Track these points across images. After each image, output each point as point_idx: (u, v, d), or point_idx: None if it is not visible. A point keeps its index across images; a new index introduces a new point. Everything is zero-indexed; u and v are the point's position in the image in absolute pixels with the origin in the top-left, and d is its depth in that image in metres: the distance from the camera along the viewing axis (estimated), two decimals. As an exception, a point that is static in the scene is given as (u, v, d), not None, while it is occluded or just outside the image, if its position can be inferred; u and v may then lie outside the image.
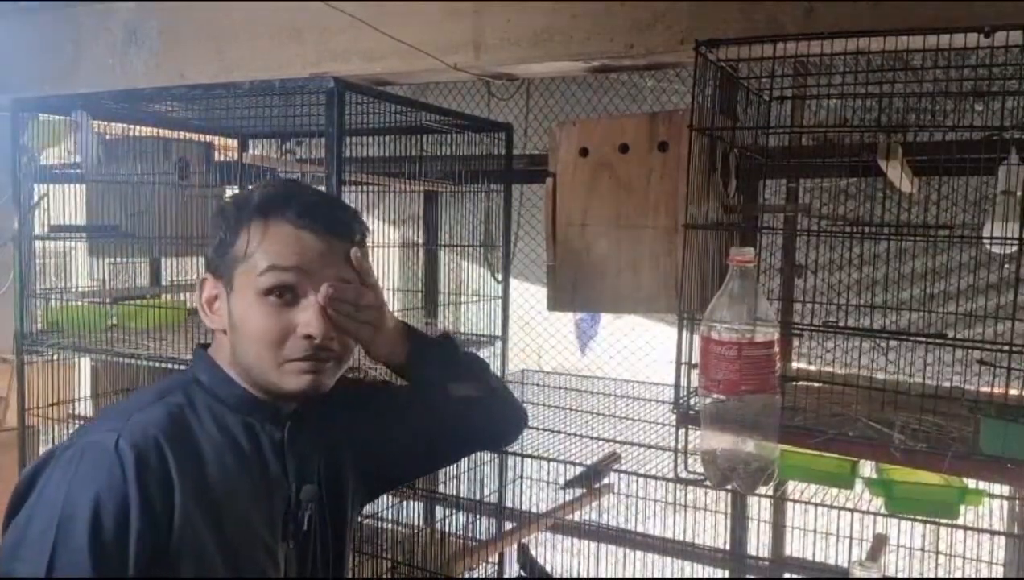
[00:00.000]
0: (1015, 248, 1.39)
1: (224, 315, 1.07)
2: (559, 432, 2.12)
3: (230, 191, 2.71)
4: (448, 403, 1.20)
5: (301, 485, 1.10)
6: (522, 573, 2.07)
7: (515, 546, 2.39)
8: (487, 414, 1.27)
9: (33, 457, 2.31)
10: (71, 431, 2.27)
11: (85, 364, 2.87)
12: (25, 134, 2.50)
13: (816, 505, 1.79)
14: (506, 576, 2.59)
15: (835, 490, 1.79)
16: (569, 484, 2.23)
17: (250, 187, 1.12)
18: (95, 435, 0.98)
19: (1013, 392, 1.43)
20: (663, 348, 3.21)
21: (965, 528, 1.81)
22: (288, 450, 1.10)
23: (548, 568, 2.46)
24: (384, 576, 2.33)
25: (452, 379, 1.20)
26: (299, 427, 1.11)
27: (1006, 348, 1.37)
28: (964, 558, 1.98)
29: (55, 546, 0.91)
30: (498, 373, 2.66)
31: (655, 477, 1.93)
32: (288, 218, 1.03)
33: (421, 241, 2.89)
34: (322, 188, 2.06)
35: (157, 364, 2.23)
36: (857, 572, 1.76)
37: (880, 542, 1.91)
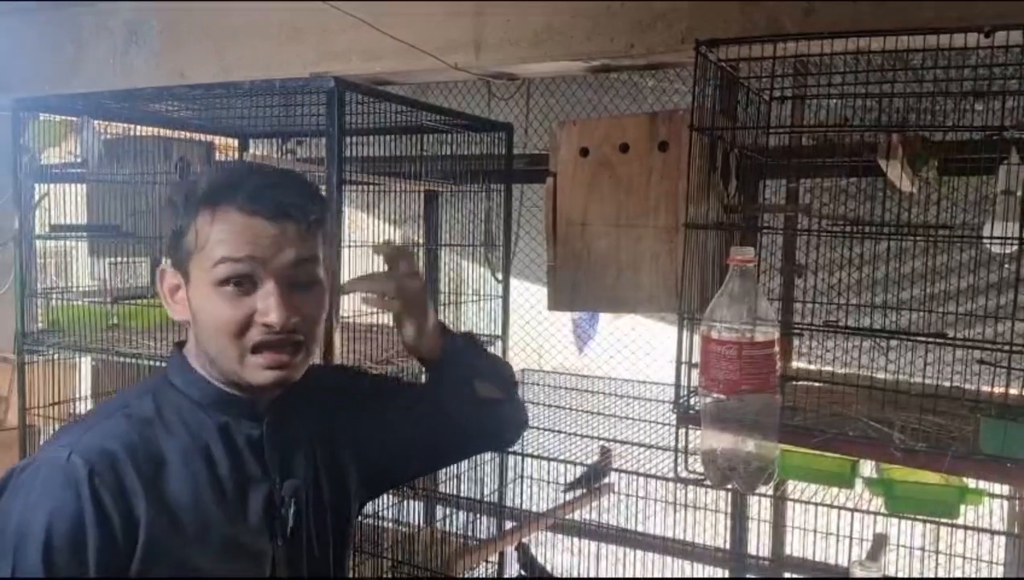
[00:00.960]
0: (1015, 248, 1.39)
1: (186, 305, 1.04)
2: (559, 432, 2.12)
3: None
4: (467, 402, 1.19)
5: (282, 479, 1.07)
6: (522, 573, 2.07)
7: (515, 546, 2.39)
8: (502, 415, 1.26)
9: (33, 457, 2.31)
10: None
11: (86, 364, 2.87)
12: (25, 134, 2.50)
13: (816, 505, 1.79)
14: (506, 576, 2.59)
15: (835, 490, 1.79)
16: (571, 487, 2.23)
17: (197, 173, 1.12)
18: (50, 451, 0.96)
19: (1013, 392, 1.43)
20: (663, 348, 3.21)
21: (965, 528, 1.81)
22: (268, 446, 1.07)
23: (548, 568, 2.46)
24: (384, 576, 2.33)
25: (481, 377, 1.20)
26: (279, 421, 1.08)
27: (1006, 348, 1.37)
28: (964, 558, 1.98)
29: (13, 571, 0.89)
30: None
31: (655, 476, 1.93)
32: (236, 205, 0.99)
33: (421, 241, 2.89)
34: (323, 189, 2.07)
35: (157, 363, 2.23)
36: (857, 572, 1.76)
37: (880, 542, 1.91)
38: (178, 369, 1.07)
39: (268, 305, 0.99)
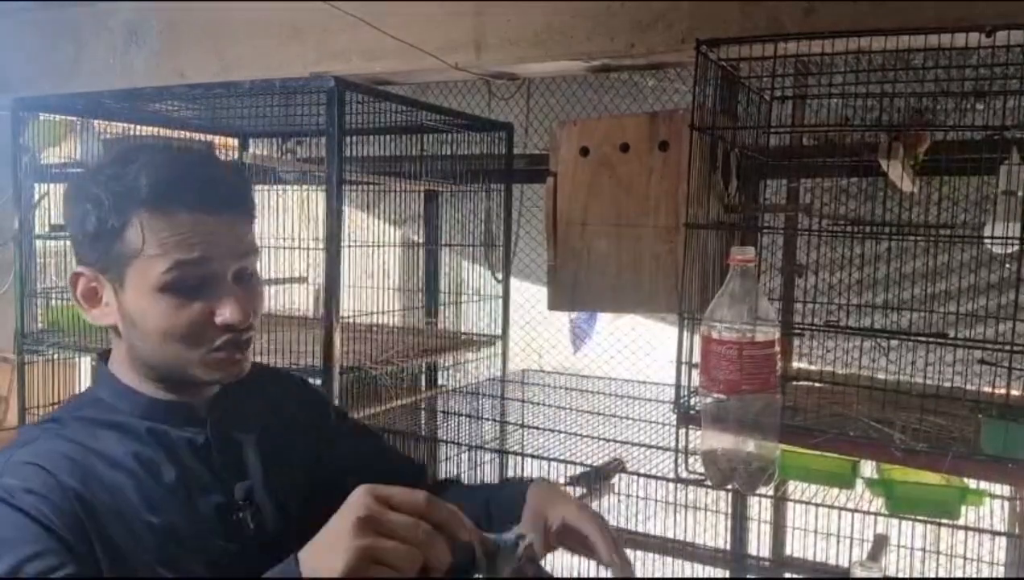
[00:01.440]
0: (1016, 248, 1.39)
1: (114, 309, 0.97)
2: (559, 432, 2.12)
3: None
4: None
5: (234, 481, 1.02)
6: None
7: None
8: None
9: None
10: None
11: (85, 363, 2.87)
12: (25, 134, 2.50)
13: (817, 505, 1.79)
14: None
15: (836, 490, 1.79)
16: (574, 481, 2.21)
17: (116, 164, 0.96)
18: None
19: (1014, 392, 1.43)
20: (663, 348, 3.21)
21: (966, 528, 1.80)
22: (215, 449, 1.02)
23: (548, 568, 2.46)
24: (384, 576, 2.32)
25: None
26: (222, 422, 1.04)
27: (1007, 348, 1.37)
28: (965, 558, 1.97)
29: None
30: (498, 373, 2.67)
31: (655, 477, 1.92)
32: (185, 204, 0.92)
33: (421, 241, 2.89)
34: (323, 189, 2.07)
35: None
36: (858, 572, 1.75)
37: (881, 542, 1.91)
38: (104, 383, 1.01)
39: (226, 305, 0.95)
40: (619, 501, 2.40)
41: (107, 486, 0.92)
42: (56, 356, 2.54)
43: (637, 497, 2.33)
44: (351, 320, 2.45)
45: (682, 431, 1.61)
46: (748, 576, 2.32)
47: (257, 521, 1.02)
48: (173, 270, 0.93)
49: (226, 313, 0.95)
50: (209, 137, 2.86)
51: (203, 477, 1.00)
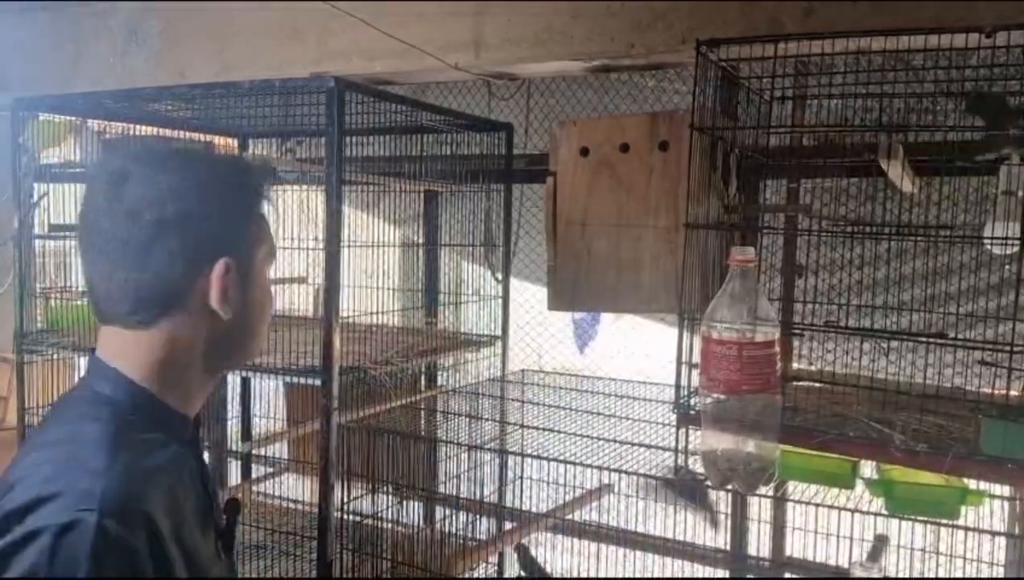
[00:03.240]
0: (1016, 248, 1.39)
1: (233, 302, 0.93)
2: (559, 432, 2.11)
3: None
4: None
5: (217, 497, 1.00)
6: (522, 574, 2.07)
7: (514, 546, 2.38)
8: None
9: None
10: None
11: (85, 364, 2.87)
12: (25, 134, 2.50)
13: (816, 505, 1.79)
14: (506, 576, 2.59)
15: (836, 490, 1.79)
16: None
17: (223, 159, 1.04)
18: (53, 516, 0.77)
19: (1014, 393, 1.43)
20: (663, 348, 3.21)
21: (966, 529, 1.80)
22: (203, 468, 0.99)
23: (548, 568, 2.46)
24: (384, 576, 2.32)
25: None
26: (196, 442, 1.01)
27: (1007, 349, 1.37)
28: (965, 559, 1.97)
29: None
30: (498, 373, 2.67)
31: (655, 477, 1.92)
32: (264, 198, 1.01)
33: (421, 241, 2.89)
34: (322, 189, 2.07)
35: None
36: (858, 572, 1.76)
37: (881, 542, 1.91)
38: (133, 392, 0.91)
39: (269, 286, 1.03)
40: (619, 501, 2.40)
41: (179, 510, 0.87)
42: (56, 356, 2.53)
43: (637, 497, 2.33)
44: (351, 320, 2.45)
45: (682, 431, 1.61)
46: (748, 576, 2.32)
47: (225, 540, 1.02)
48: (271, 251, 1.00)
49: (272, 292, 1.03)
50: (209, 137, 2.86)
51: (201, 491, 0.97)
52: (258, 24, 2.66)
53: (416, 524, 2.54)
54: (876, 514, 1.76)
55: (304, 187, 2.81)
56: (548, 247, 1.94)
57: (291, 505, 3.15)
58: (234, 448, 3.22)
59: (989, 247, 1.54)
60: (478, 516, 2.51)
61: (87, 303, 2.62)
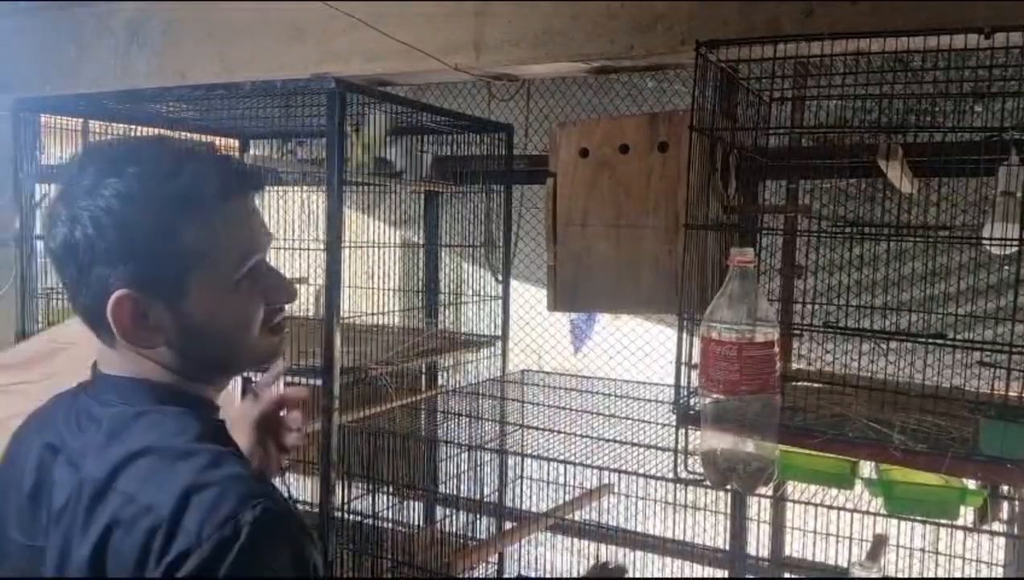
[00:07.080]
0: (1015, 249, 1.40)
1: (165, 326, 0.87)
2: (559, 432, 2.12)
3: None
4: None
5: None
6: (522, 573, 2.08)
7: (515, 546, 2.39)
8: None
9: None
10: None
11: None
12: (25, 134, 2.50)
13: (816, 505, 1.79)
14: (506, 576, 2.59)
15: (835, 490, 1.79)
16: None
17: (140, 170, 0.86)
18: (245, 510, 0.78)
19: (1013, 393, 1.44)
20: (663, 348, 3.22)
21: (965, 528, 1.81)
22: None
23: (548, 568, 2.46)
24: (384, 576, 2.33)
25: None
26: None
27: (1006, 349, 1.38)
28: (964, 558, 1.98)
29: None
30: (498, 373, 2.67)
31: (655, 477, 1.93)
32: (244, 193, 0.90)
33: (421, 241, 2.89)
34: (323, 191, 2.07)
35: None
36: (857, 572, 1.76)
37: (880, 542, 1.91)
38: (163, 400, 0.90)
39: (279, 283, 0.94)
40: (619, 501, 2.40)
41: None
42: (57, 356, 2.53)
43: (637, 497, 2.34)
44: (352, 321, 2.46)
45: (681, 431, 1.61)
46: (747, 576, 2.32)
47: None
48: (245, 262, 0.89)
49: (281, 292, 0.94)
50: (210, 138, 2.86)
51: None
52: (259, 25, 2.67)
53: (416, 524, 2.54)
54: (875, 514, 1.76)
55: (305, 188, 2.82)
56: (548, 248, 1.94)
57: (291, 505, 3.15)
58: (235, 448, 3.21)
59: (988, 248, 1.55)
60: (478, 516, 2.52)
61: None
